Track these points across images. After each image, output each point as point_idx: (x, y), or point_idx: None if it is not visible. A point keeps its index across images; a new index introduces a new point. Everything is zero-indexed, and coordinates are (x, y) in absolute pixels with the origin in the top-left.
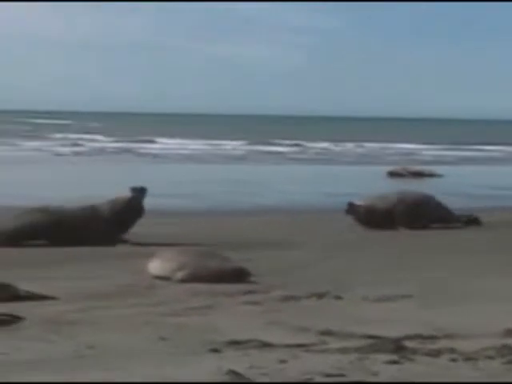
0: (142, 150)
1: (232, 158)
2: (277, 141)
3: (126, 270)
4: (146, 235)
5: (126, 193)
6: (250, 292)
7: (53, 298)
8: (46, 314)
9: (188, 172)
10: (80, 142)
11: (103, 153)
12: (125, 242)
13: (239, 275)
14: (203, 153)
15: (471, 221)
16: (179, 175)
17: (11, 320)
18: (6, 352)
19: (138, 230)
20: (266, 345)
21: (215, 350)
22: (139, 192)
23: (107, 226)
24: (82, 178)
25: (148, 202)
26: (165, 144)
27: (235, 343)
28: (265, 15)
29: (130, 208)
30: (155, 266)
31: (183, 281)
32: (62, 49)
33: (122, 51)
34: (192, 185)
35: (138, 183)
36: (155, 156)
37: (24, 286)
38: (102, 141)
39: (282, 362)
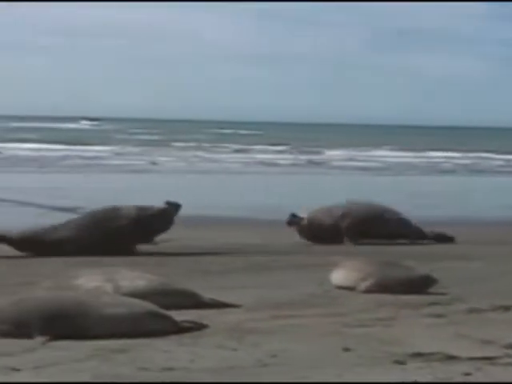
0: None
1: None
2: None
3: (309, 279)
4: (326, 246)
5: None
6: (433, 304)
7: (236, 306)
8: (229, 322)
9: (372, 183)
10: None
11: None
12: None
13: (426, 283)
14: (381, 164)
15: (441, 238)
16: (359, 186)
17: (195, 327)
18: (191, 359)
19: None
20: (450, 357)
21: (399, 362)
22: (173, 206)
23: (131, 228)
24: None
25: None
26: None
27: (419, 355)
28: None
29: (161, 218)
30: (339, 276)
31: (368, 291)
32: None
33: (291, 64)
34: (373, 196)
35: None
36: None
37: (207, 295)
38: (283, 151)
39: (466, 374)
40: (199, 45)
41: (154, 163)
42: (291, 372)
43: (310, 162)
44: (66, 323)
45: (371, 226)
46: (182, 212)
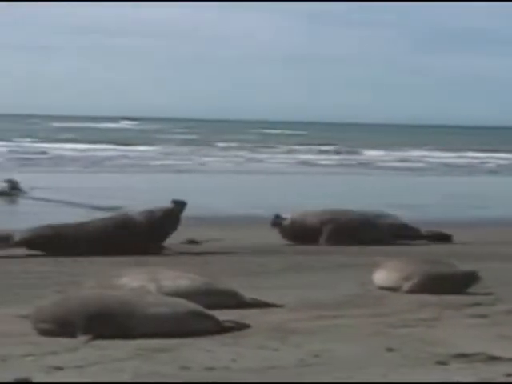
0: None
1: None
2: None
3: (351, 280)
4: (365, 247)
5: None
6: (476, 304)
7: (278, 306)
8: (271, 322)
9: (414, 183)
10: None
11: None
12: (168, 250)
13: (470, 280)
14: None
15: (439, 237)
16: (407, 186)
17: (237, 327)
18: (233, 358)
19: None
20: (493, 358)
21: (442, 363)
22: (179, 205)
23: (145, 234)
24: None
25: None
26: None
27: (462, 356)
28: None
29: (169, 218)
30: (381, 276)
31: (412, 291)
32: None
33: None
34: (415, 196)
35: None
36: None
37: (249, 294)
38: (328, 151)
39: (509, 375)
40: (238, 45)
41: (201, 164)
42: (334, 372)
43: (359, 163)
44: (109, 322)
45: (359, 236)
46: (228, 212)
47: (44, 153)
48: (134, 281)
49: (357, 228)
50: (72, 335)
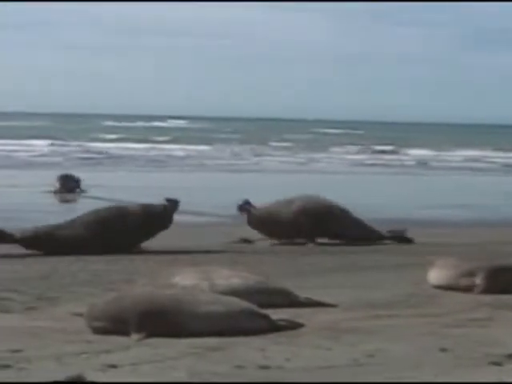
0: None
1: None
2: None
3: (405, 279)
4: (424, 245)
5: None
6: None
7: (332, 306)
8: (325, 322)
9: (462, 183)
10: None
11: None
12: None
13: None
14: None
15: (399, 238)
16: (455, 186)
17: (291, 326)
18: (287, 357)
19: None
20: None
21: (496, 363)
22: (173, 203)
23: (136, 229)
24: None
25: (425, 213)
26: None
27: None
28: None
29: (162, 216)
30: (436, 275)
31: (483, 290)
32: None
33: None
34: (468, 196)
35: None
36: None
37: (302, 294)
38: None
39: None
40: (286, 45)
41: (256, 163)
42: (387, 372)
43: (418, 163)
44: (162, 321)
45: (329, 225)
46: None
47: (103, 152)
48: (187, 279)
49: (327, 216)
50: (125, 333)
